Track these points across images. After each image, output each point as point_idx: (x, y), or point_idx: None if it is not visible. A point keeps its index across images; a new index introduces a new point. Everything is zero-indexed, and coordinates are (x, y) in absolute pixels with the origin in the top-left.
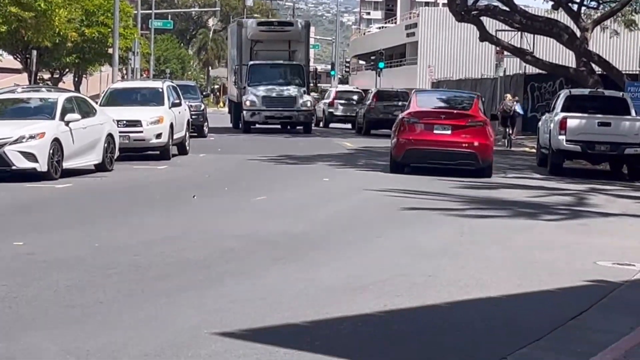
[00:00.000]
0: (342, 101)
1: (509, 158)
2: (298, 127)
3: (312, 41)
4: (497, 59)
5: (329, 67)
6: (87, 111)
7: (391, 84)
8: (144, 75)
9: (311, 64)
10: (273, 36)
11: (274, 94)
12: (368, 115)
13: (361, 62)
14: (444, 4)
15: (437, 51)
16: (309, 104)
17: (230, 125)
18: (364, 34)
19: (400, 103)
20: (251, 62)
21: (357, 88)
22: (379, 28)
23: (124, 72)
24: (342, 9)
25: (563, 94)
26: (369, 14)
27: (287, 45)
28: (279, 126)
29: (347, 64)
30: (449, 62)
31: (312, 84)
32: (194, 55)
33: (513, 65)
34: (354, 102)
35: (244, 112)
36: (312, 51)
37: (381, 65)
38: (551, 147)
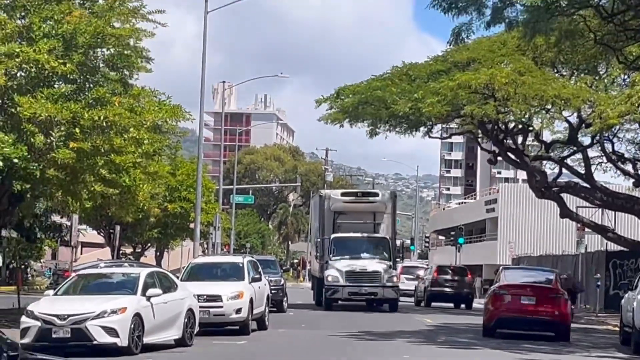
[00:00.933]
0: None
1: (592, 337)
2: (384, 304)
3: None
4: (578, 236)
5: (408, 241)
6: (168, 286)
7: (471, 260)
8: (225, 250)
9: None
10: (357, 207)
11: (357, 269)
12: (429, 288)
13: (440, 237)
14: (523, 180)
15: (517, 227)
16: (395, 279)
17: (313, 301)
18: (444, 209)
19: (457, 277)
20: (334, 235)
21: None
22: (459, 204)
23: (205, 246)
24: (421, 184)
25: None
26: (448, 189)
27: (372, 217)
28: (364, 303)
29: (427, 239)
30: (529, 238)
31: (398, 259)
32: (274, 229)
33: (594, 242)
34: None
35: (326, 287)
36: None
37: (461, 240)
38: (635, 326)
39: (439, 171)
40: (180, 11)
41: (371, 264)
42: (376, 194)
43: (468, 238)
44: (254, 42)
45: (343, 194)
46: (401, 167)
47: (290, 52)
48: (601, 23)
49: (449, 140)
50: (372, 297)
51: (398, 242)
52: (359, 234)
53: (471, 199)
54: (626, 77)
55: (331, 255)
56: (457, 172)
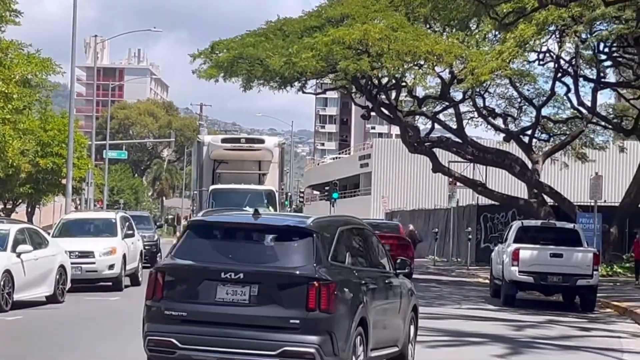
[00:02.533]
0: None
1: (464, 289)
2: None
3: None
4: (450, 190)
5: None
6: (39, 242)
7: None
8: (98, 206)
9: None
10: (240, 155)
11: None
12: None
13: (315, 192)
14: (397, 136)
15: (390, 182)
16: None
17: None
18: (318, 164)
19: None
20: (213, 187)
21: None
22: (333, 159)
23: (78, 202)
24: (296, 139)
25: (515, 225)
26: (323, 144)
27: (257, 166)
28: None
29: (302, 194)
30: (402, 193)
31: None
32: (148, 185)
33: (466, 196)
34: None
35: None
36: None
37: (335, 195)
38: (504, 278)
39: (314, 126)
40: None
41: None
42: (262, 141)
43: (342, 193)
44: None
45: (224, 140)
46: (276, 123)
47: (166, 6)
48: None
49: (323, 95)
50: None
51: (287, 194)
52: (241, 186)
53: (345, 154)
54: (497, 33)
55: (210, 209)
56: (331, 128)
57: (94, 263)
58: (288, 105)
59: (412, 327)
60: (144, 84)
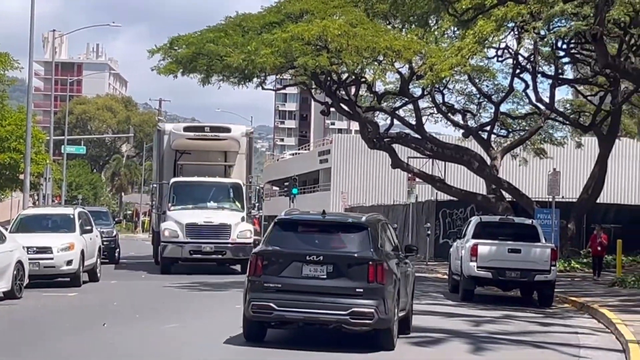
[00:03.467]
0: None
1: (422, 285)
2: (237, 265)
3: None
4: (409, 186)
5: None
6: None
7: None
8: (56, 202)
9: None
10: (204, 145)
11: (201, 222)
12: None
13: (275, 188)
14: (356, 131)
15: (350, 177)
16: (248, 234)
17: (153, 259)
18: (278, 160)
19: None
20: (174, 179)
21: None
22: (293, 154)
23: (36, 198)
24: (255, 135)
25: (474, 220)
26: (282, 140)
27: (223, 157)
28: (214, 264)
29: (261, 190)
30: (362, 188)
31: (255, 209)
32: (107, 181)
33: (426, 192)
34: None
35: (162, 244)
36: None
37: (294, 191)
38: (462, 273)
39: (273, 122)
40: None
41: (218, 215)
42: (227, 130)
43: (302, 188)
44: None
45: (187, 129)
46: (235, 118)
47: (126, 1)
48: None
49: (283, 91)
50: (220, 256)
51: (257, 188)
52: (205, 178)
53: (305, 149)
54: (456, 29)
55: (170, 205)
56: (291, 123)
57: (52, 259)
58: (248, 100)
59: (412, 298)
60: (103, 79)
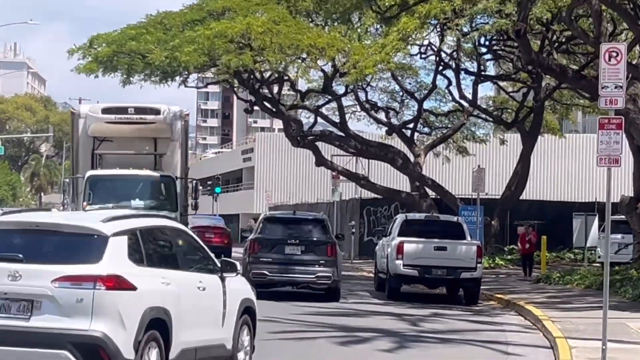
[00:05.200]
0: None
1: (348, 283)
2: None
3: None
4: (334, 184)
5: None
6: None
7: (228, 209)
8: None
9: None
10: (128, 131)
11: None
12: None
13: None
14: (280, 129)
15: (274, 176)
16: None
17: None
18: (200, 158)
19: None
20: (89, 173)
21: None
22: (216, 153)
23: None
24: None
25: (399, 218)
26: (205, 139)
27: (153, 146)
28: None
29: None
30: (286, 187)
31: (191, 207)
32: (26, 181)
33: (350, 190)
34: None
35: None
36: None
37: (218, 190)
38: (389, 271)
39: (195, 121)
40: None
41: None
42: (157, 111)
43: (225, 187)
44: None
45: (105, 110)
46: None
47: (45, 0)
48: None
49: (205, 89)
50: None
51: (191, 182)
52: (128, 171)
53: (228, 148)
54: (379, 27)
55: (85, 204)
56: (213, 122)
57: None
58: (169, 99)
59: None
60: (21, 78)
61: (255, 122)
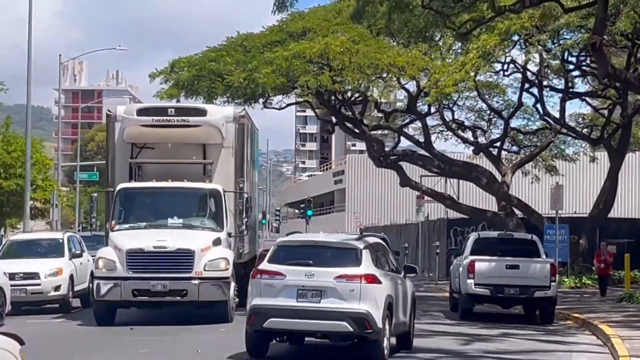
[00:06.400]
0: None
1: (426, 304)
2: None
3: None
4: (418, 204)
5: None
6: None
7: (320, 232)
8: (72, 227)
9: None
10: (169, 136)
11: (149, 247)
12: None
13: (294, 210)
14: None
15: (363, 197)
16: (222, 264)
17: None
18: (295, 182)
19: None
20: (121, 186)
21: None
22: (309, 176)
23: (53, 224)
24: (281, 158)
25: (472, 237)
26: (304, 162)
27: (201, 153)
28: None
29: (277, 213)
30: (375, 208)
31: (242, 223)
32: None
33: (438, 211)
34: None
35: (95, 281)
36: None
37: (309, 213)
38: (460, 291)
39: (294, 145)
40: None
41: (178, 237)
42: (202, 112)
43: (318, 210)
44: (114, 16)
45: (141, 112)
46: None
47: (149, 28)
48: None
49: (303, 114)
50: (178, 297)
51: (242, 199)
52: (163, 184)
53: (322, 171)
54: (461, 45)
55: (114, 222)
56: (312, 146)
57: (39, 284)
58: (268, 124)
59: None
60: (122, 105)
61: (353, 145)
